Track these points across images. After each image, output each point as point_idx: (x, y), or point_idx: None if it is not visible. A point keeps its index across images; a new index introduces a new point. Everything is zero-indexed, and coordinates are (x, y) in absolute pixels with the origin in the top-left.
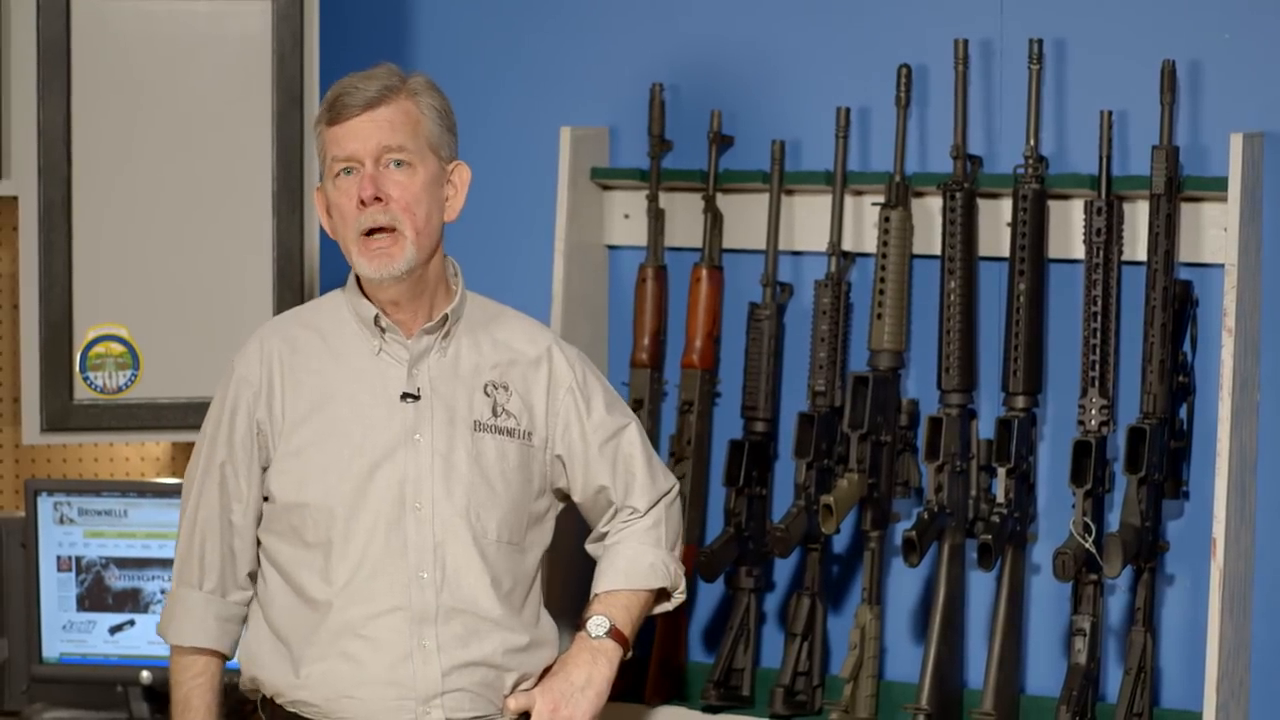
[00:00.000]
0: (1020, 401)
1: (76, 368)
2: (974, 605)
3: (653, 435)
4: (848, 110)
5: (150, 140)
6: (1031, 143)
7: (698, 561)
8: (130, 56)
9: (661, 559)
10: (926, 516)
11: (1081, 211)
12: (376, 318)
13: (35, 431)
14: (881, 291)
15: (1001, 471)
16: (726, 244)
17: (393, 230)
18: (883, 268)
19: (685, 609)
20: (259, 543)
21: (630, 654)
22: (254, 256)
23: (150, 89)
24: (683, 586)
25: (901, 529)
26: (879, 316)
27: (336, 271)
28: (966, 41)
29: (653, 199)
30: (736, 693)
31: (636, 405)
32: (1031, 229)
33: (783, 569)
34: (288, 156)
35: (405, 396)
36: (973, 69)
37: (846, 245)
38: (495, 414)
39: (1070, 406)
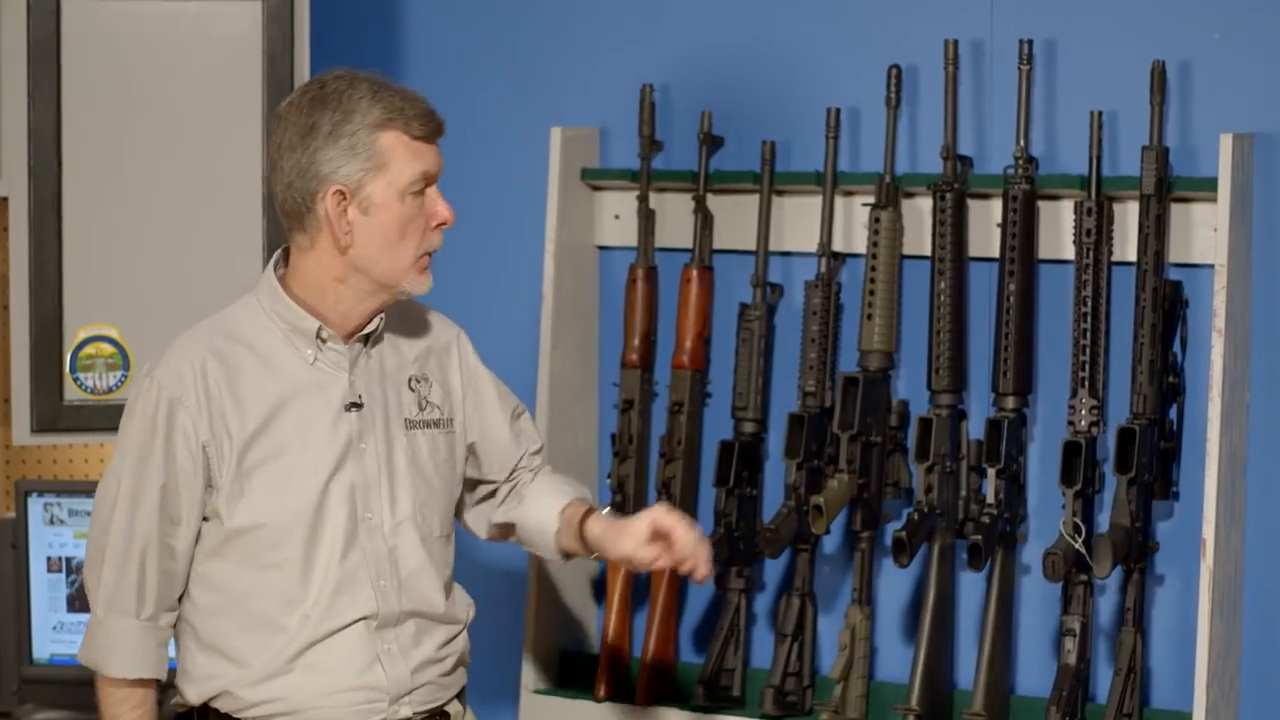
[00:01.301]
0: (1010, 402)
1: (67, 368)
2: (964, 606)
3: (643, 436)
4: (838, 111)
5: (141, 141)
6: (1021, 143)
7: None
8: (121, 57)
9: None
10: (916, 517)
11: (1071, 212)
12: (319, 329)
13: (25, 432)
14: (872, 292)
15: (991, 472)
16: (717, 245)
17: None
18: (873, 268)
19: (676, 609)
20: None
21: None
22: (244, 257)
23: (141, 90)
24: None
25: (892, 529)
26: (869, 317)
27: None
28: (957, 42)
29: (643, 199)
30: (727, 693)
31: (627, 405)
32: (1021, 229)
33: (773, 569)
34: None
35: (350, 406)
36: (963, 69)
37: (837, 246)
38: (421, 408)
39: (1060, 407)
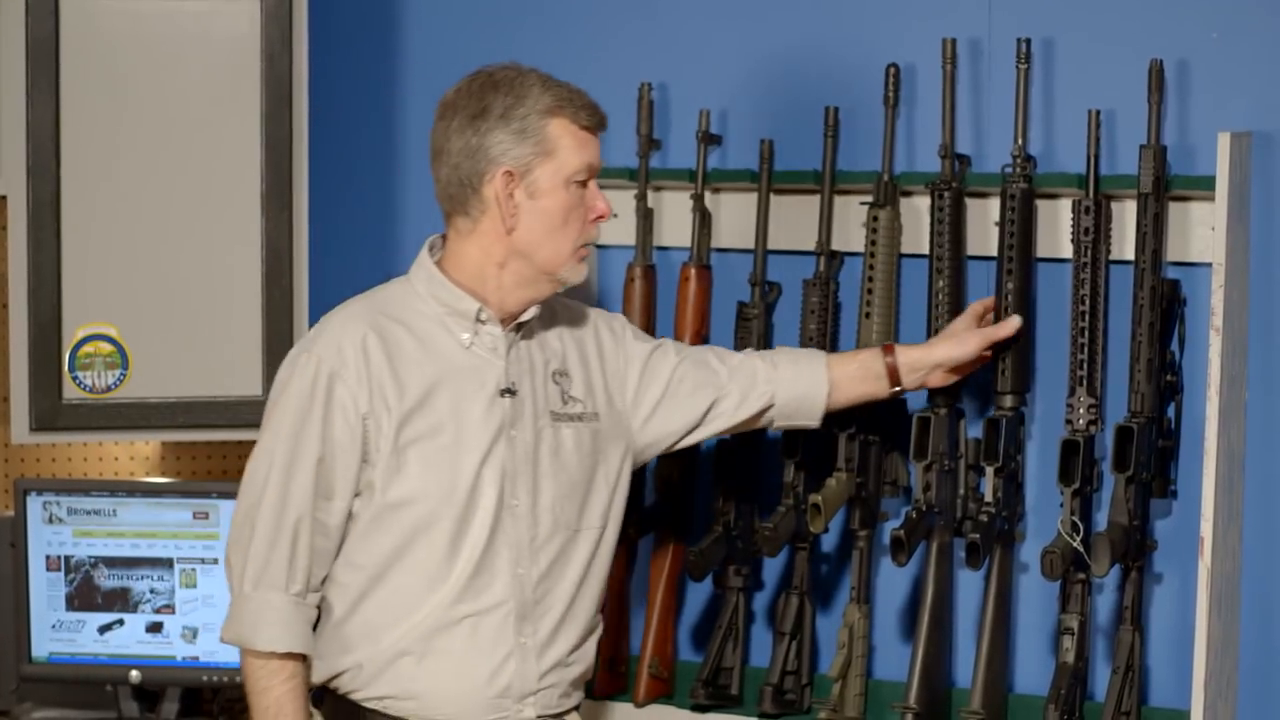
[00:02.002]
0: (1008, 400)
1: (65, 367)
2: (962, 604)
3: None
4: (836, 110)
5: (139, 140)
6: (1019, 142)
7: (686, 561)
8: (119, 56)
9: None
10: (914, 515)
11: (1069, 211)
12: (479, 310)
13: (24, 431)
14: (870, 291)
15: (989, 470)
16: (715, 243)
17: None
18: (871, 267)
19: (674, 608)
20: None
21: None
22: (242, 256)
23: (139, 89)
24: None
25: (890, 528)
26: (867, 315)
27: (325, 270)
28: (955, 41)
29: (641, 198)
30: (725, 692)
31: None
32: (1019, 228)
33: (771, 568)
34: (276, 156)
35: (504, 391)
36: (961, 68)
37: (835, 245)
38: (565, 402)
39: (1058, 405)
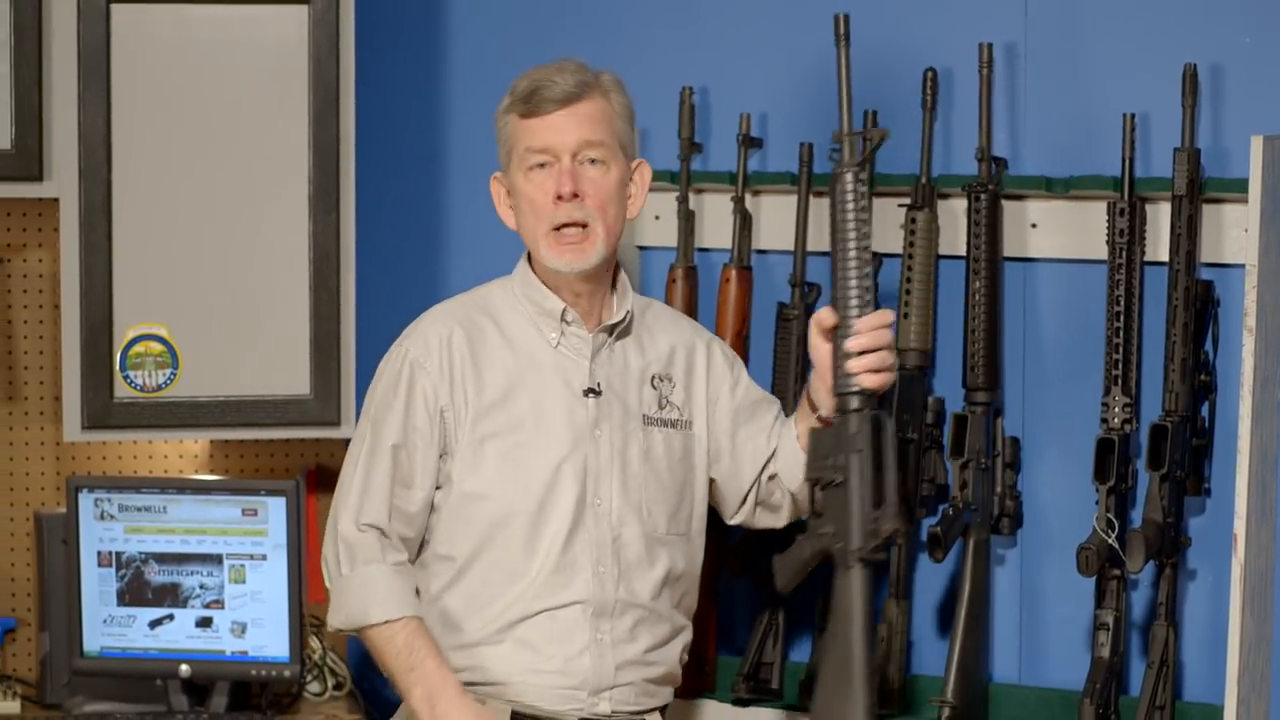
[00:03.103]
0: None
1: (117, 366)
2: (998, 599)
3: None
4: (874, 113)
5: (189, 143)
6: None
7: (726, 557)
8: (169, 61)
9: None
10: (952, 512)
11: (1105, 213)
12: (564, 311)
13: (76, 429)
14: (908, 291)
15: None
16: (755, 244)
17: (584, 225)
18: (909, 268)
19: (714, 602)
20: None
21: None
22: (290, 258)
23: (189, 93)
24: None
25: (927, 525)
26: (905, 316)
27: (371, 271)
28: (991, 45)
29: (683, 200)
30: (765, 686)
31: None
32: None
33: None
34: (324, 159)
35: (588, 392)
36: (997, 72)
37: (873, 246)
38: (661, 406)
39: (1094, 404)
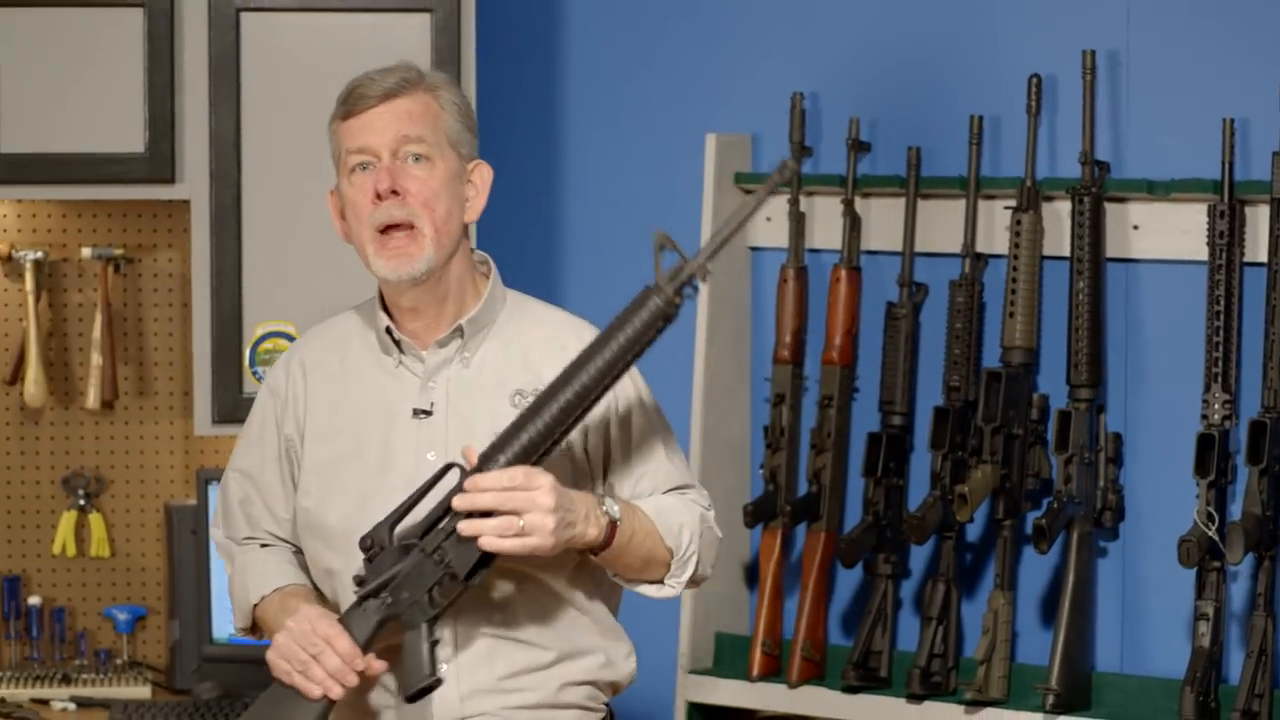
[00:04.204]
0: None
1: (246, 362)
2: (1101, 591)
3: (794, 428)
4: (980, 118)
5: (316, 146)
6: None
7: (838, 549)
8: (296, 67)
9: (691, 529)
10: (1056, 506)
11: (1205, 215)
12: (389, 329)
13: (206, 423)
14: (1013, 291)
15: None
16: (864, 246)
17: (411, 227)
18: (1014, 269)
19: (825, 593)
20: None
21: (594, 553)
22: None
23: (316, 98)
24: (680, 583)
25: (1032, 518)
26: (1011, 315)
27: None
28: (1094, 52)
29: (793, 203)
30: (874, 674)
31: (778, 399)
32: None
33: (918, 556)
34: None
35: (416, 413)
36: (1100, 78)
37: (979, 247)
38: None
39: (1195, 400)
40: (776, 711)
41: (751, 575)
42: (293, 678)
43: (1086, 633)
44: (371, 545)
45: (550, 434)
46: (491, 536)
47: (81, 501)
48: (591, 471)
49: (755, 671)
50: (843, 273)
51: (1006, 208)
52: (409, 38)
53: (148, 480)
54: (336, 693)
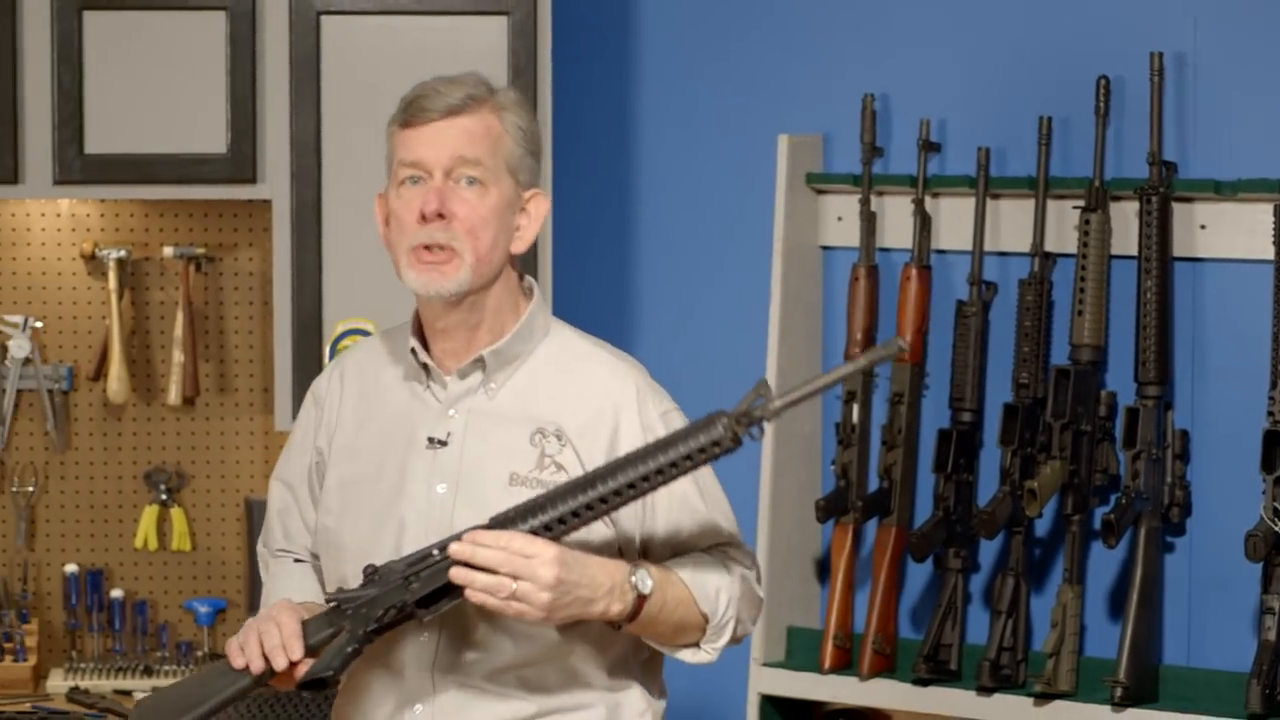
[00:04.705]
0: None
1: (325, 359)
2: (1168, 585)
3: (865, 425)
4: (1049, 119)
5: None
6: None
7: (909, 543)
8: (376, 69)
9: (728, 592)
10: (1124, 501)
11: (1271, 214)
12: (414, 350)
13: (286, 419)
14: (1082, 290)
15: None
16: (934, 245)
17: (451, 249)
18: (1083, 267)
19: (896, 587)
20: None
21: (617, 627)
22: None
23: (394, 99)
24: (716, 649)
25: (1100, 513)
26: (1079, 313)
27: (566, 271)
28: (1161, 54)
29: (864, 202)
30: (944, 667)
31: (850, 396)
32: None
33: (988, 550)
34: None
35: (432, 441)
36: (1167, 80)
37: (1048, 246)
38: (541, 465)
39: (1259, 398)
40: (845, 704)
41: (822, 570)
42: (231, 649)
43: (1154, 626)
44: (374, 573)
45: (570, 521)
46: (480, 591)
47: (163, 496)
48: (614, 524)
49: (827, 664)
50: (913, 271)
51: (1075, 207)
52: (486, 40)
53: (228, 475)
54: (257, 666)
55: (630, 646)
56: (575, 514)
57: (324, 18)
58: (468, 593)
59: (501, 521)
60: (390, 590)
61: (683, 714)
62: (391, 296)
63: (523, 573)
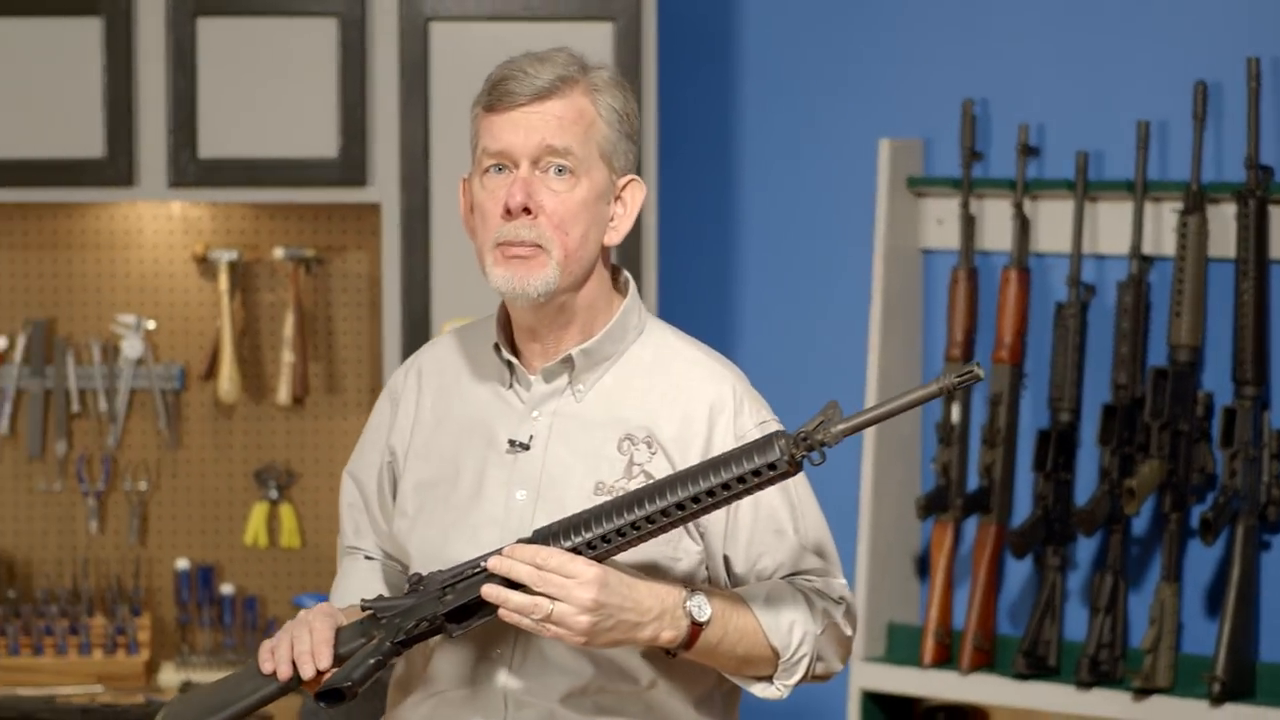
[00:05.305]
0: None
1: None
2: (1264, 582)
3: (965, 424)
4: (1147, 123)
5: None
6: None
7: (1008, 541)
8: (484, 74)
9: (804, 628)
10: (1221, 500)
11: None
12: (497, 346)
13: None
14: (1180, 292)
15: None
16: (1034, 248)
17: (538, 247)
18: (1181, 270)
19: (995, 584)
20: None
21: (672, 654)
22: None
23: None
24: (788, 686)
25: (1198, 511)
26: (1177, 315)
27: (671, 269)
28: (1259, 60)
29: (964, 206)
30: (1043, 662)
31: (949, 397)
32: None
33: (1085, 548)
34: None
35: (513, 444)
36: (1264, 85)
37: (1146, 249)
38: (629, 474)
39: None
40: (944, 699)
41: (922, 567)
42: (261, 652)
43: (1251, 623)
44: (418, 583)
45: (615, 540)
46: (513, 611)
47: (273, 494)
48: (703, 539)
49: (928, 659)
50: (1013, 274)
51: (1173, 210)
52: (592, 46)
53: (336, 473)
54: (284, 672)
55: (715, 681)
56: (620, 533)
57: (433, 24)
58: (501, 612)
59: (544, 536)
60: (425, 601)
61: (782, 709)
62: (498, 298)
63: (560, 594)
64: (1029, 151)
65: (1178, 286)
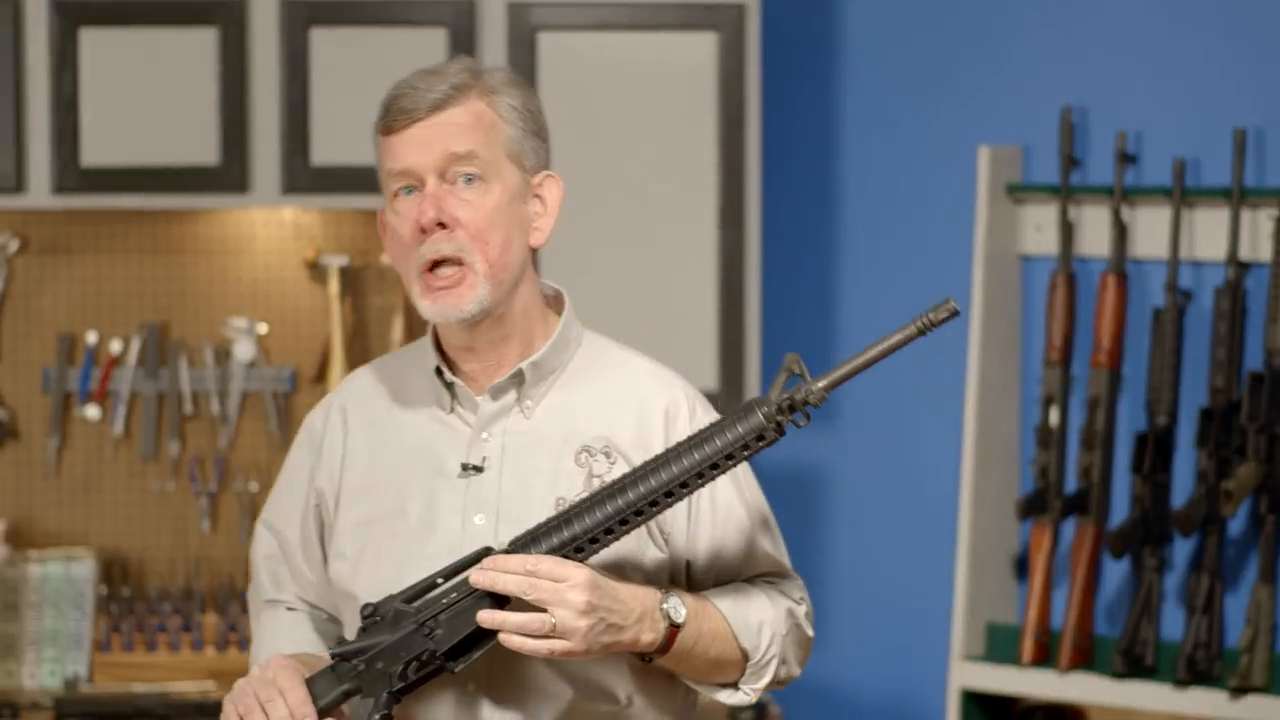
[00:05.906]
0: None
1: None
2: None
3: (1063, 427)
4: (1244, 130)
5: (606, 158)
6: None
7: (1107, 541)
8: (590, 82)
9: (772, 629)
10: None
11: None
12: (439, 369)
13: None
14: (1276, 297)
15: None
16: (1131, 253)
17: (460, 263)
18: (1277, 275)
19: (1093, 585)
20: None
21: (648, 659)
22: (699, 267)
23: (607, 112)
24: (755, 690)
25: None
26: (1274, 320)
27: (774, 280)
28: None
29: (1063, 212)
30: (1140, 662)
31: (1048, 399)
32: None
33: (1182, 549)
34: (731, 174)
35: (465, 469)
36: None
37: (1243, 255)
38: (589, 486)
39: None
40: (1042, 698)
41: (1020, 567)
42: (227, 716)
43: None
44: (373, 614)
45: (603, 538)
46: (514, 634)
47: None
48: (667, 544)
49: (1027, 658)
50: (1110, 279)
51: (1269, 217)
52: (696, 55)
53: None
54: None
55: (683, 692)
56: (608, 530)
57: (540, 33)
58: (502, 637)
59: (523, 543)
60: (406, 638)
61: (882, 708)
62: (601, 306)
63: (553, 600)
64: (1127, 159)
65: (1274, 292)
